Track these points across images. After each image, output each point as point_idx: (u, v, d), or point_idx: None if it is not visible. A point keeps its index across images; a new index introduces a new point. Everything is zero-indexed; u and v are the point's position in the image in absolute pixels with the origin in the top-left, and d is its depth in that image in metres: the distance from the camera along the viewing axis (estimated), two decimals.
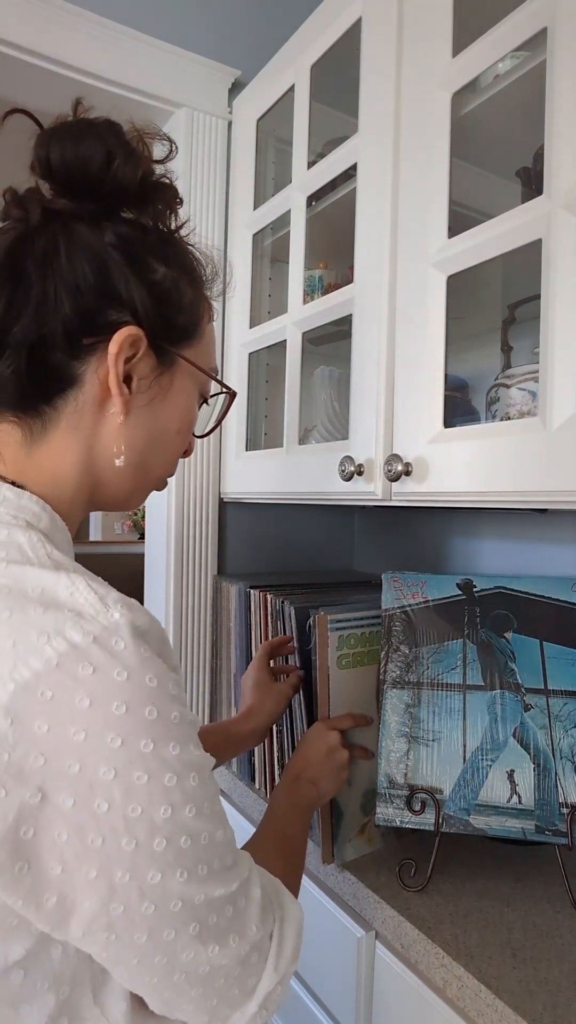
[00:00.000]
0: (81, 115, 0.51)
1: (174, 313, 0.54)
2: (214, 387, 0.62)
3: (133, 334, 0.50)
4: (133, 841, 0.40)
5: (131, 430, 0.53)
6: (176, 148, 0.56)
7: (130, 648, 0.41)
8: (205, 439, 1.24)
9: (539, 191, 0.69)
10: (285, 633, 1.00)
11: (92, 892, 0.39)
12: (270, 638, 1.03)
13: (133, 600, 0.44)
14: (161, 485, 0.61)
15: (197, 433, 0.63)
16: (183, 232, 0.57)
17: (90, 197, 0.50)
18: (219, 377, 0.61)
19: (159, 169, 0.53)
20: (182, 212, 0.56)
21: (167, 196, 0.54)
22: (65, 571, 0.43)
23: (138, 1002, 0.47)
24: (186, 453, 0.61)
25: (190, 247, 0.57)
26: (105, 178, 0.49)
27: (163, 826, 0.41)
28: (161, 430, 0.56)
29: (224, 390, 0.63)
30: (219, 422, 0.66)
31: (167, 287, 0.53)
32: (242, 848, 0.55)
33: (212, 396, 0.63)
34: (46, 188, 0.50)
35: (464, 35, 0.78)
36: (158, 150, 0.55)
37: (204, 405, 0.63)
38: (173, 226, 0.55)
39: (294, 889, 0.62)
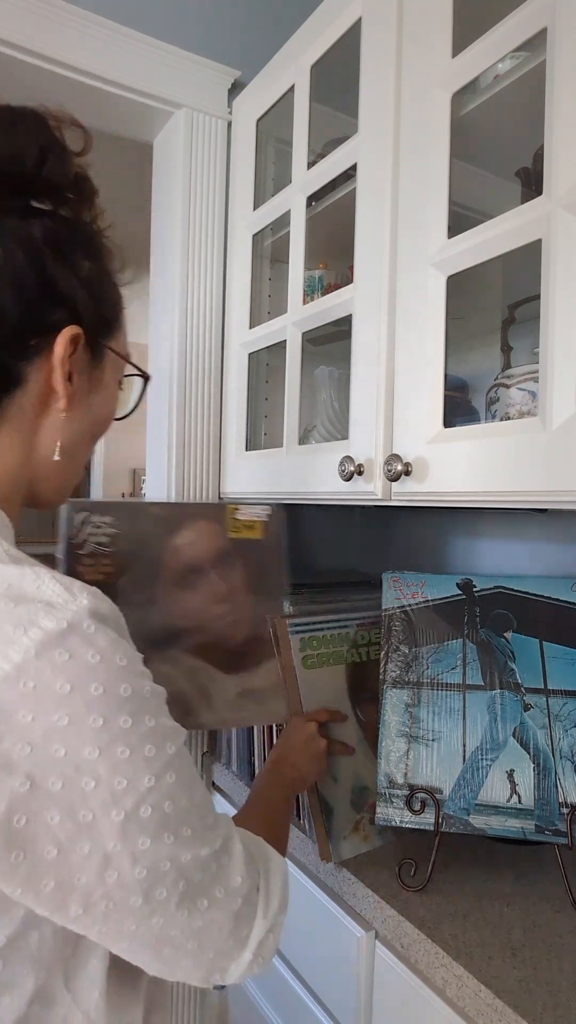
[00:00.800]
0: None
1: (103, 307, 0.55)
2: (128, 370, 0.63)
3: (76, 333, 0.51)
4: (121, 812, 0.42)
5: (69, 424, 0.54)
6: (91, 138, 0.54)
7: (99, 631, 0.42)
8: (205, 439, 1.26)
9: (539, 191, 0.69)
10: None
11: (87, 866, 0.41)
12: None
13: (95, 588, 0.45)
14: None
15: (120, 416, 0.64)
16: (100, 224, 0.56)
17: (19, 193, 0.49)
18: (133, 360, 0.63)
19: (79, 161, 0.52)
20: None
21: (87, 188, 0.54)
22: (28, 565, 0.44)
23: (112, 991, 0.48)
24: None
25: (104, 238, 0.57)
26: (37, 176, 0.49)
27: (148, 794, 0.43)
28: (94, 420, 0.58)
29: (139, 373, 0.65)
30: (138, 403, 0.68)
31: (94, 282, 0.54)
32: None
33: (125, 377, 0.64)
34: None
35: (464, 35, 0.78)
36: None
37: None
38: (88, 218, 0.55)
39: (279, 850, 0.63)
